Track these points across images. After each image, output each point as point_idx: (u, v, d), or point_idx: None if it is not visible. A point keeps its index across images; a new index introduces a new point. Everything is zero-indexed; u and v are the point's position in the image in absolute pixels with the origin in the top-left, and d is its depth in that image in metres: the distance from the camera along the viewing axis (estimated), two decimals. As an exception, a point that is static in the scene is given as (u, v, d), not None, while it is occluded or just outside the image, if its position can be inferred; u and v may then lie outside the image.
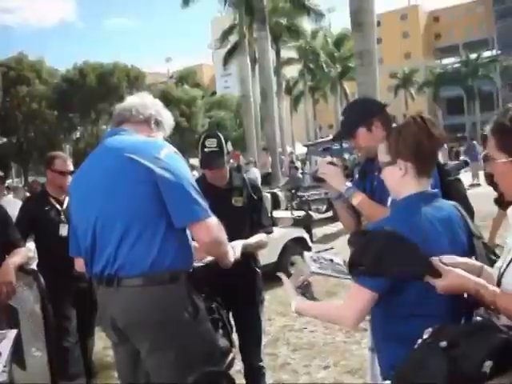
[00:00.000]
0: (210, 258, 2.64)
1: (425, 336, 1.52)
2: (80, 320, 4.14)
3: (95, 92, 41.33)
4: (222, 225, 3.06)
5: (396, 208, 2.01)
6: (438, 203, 1.98)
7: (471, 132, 59.12)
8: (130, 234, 2.17)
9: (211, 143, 3.13)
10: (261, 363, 3.40)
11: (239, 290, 3.16)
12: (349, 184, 2.64)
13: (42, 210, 4.14)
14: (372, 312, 2.09)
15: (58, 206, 4.19)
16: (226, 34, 32.67)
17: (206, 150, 3.13)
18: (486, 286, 1.63)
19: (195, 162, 29.72)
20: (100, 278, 2.28)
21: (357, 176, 2.96)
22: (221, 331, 2.65)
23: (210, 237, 2.21)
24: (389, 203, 2.52)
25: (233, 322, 3.32)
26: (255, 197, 3.35)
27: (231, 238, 3.03)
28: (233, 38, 32.52)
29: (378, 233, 1.80)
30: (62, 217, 4.14)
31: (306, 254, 2.47)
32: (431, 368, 1.43)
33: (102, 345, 5.18)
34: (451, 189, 2.51)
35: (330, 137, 27.58)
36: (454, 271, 1.68)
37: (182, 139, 43.54)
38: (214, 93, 74.93)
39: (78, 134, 47.39)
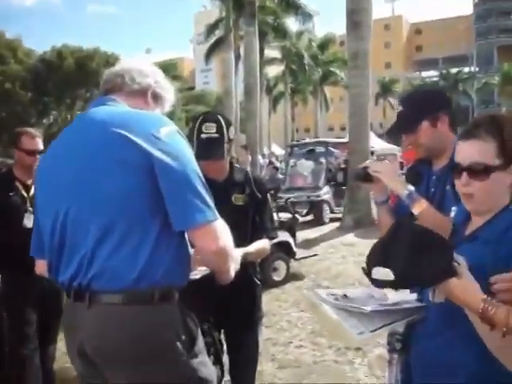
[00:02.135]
0: (204, 270, 2.11)
1: None
2: (41, 323, 3.58)
3: (72, 76, 40.16)
4: None
5: None
6: None
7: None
8: (111, 235, 1.64)
9: (209, 128, 2.57)
10: (253, 390, 2.91)
11: (236, 305, 2.65)
12: (411, 187, 2.15)
13: (5, 195, 3.57)
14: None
15: (23, 192, 3.63)
16: (212, 28, 32.09)
17: (202, 136, 2.56)
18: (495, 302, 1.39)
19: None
20: (68, 288, 1.73)
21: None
22: (212, 358, 2.14)
23: (217, 245, 1.70)
24: (452, 214, 2.08)
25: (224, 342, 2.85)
26: (259, 195, 2.83)
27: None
28: (217, 33, 31.98)
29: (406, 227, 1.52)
30: (28, 205, 3.58)
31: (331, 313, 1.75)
32: None
33: (63, 349, 4.62)
34: None
35: (307, 140, 27.40)
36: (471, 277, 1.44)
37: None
38: (192, 87, 74.23)
39: (51, 119, 46.05)
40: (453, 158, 2.05)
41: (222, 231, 1.72)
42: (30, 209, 3.56)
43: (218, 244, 1.70)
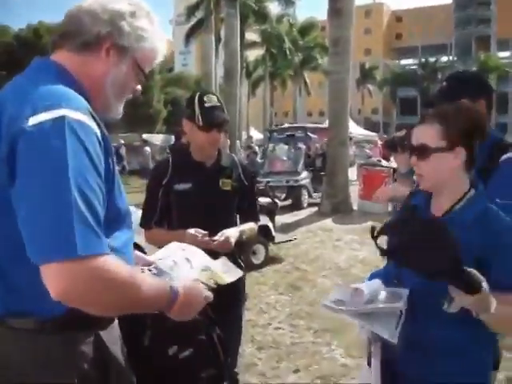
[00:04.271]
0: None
1: None
2: None
3: (49, 55, 39.51)
4: (208, 211, 2.64)
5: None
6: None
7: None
8: None
9: (211, 99, 2.66)
10: (236, 369, 2.98)
11: (222, 288, 2.71)
12: None
13: None
14: None
15: None
16: (193, 9, 31.76)
17: (206, 105, 2.63)
18: None
19: (149, 137, 28.57)
20: None
21: None
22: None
23: (56, 291, 1.19)
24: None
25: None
26: (245, 181, 2.90)
27: (217, 226, 2.62)
28: (197, 15, 31.69)
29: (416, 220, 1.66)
30: None
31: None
32: None
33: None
34: None
35: (286, 125, 27.44)
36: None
37: (136, 113, 42.28)
38: (171, 69, 73.52)
39: (26, 97, 45.25)
40: (480, 145, 2.09)
41: (79, 274, 1.18)
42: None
43: (59, 289, 1.18)
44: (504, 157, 2.12)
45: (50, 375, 1.32)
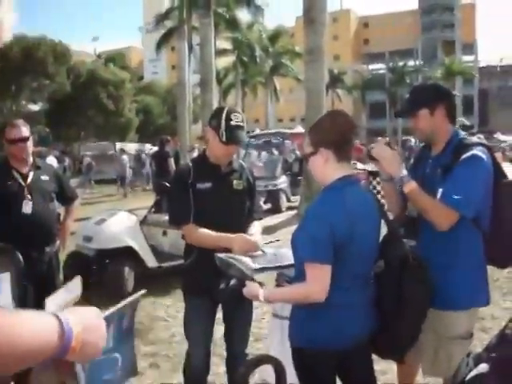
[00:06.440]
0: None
1: None
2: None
3: (18, 66, 39.13)
4: (225, 207, 2.99)
5: (325, 194, 2.28)
6: (358, 187, 2.34)
7: (391, 136, 61.29)
8: None
9: (238, 118, 2.97)
10: (246, 350, 3.32)
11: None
12: (405, 172, 2.61)
13: (3, 183, 3.81)
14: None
15: (21, 181, 3.87)
16: (162, 17, 31.91)
17: (232, 123, 2.93)
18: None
19: (123, 145, 28.45)
20: None
21: (412, 161, 3.07)
22: None
23: None
24: (439, 195, 2.56)
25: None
26: (252, 183, 3.27)
27: (232, 222, 2.98)
28: (166, 23, 31.86)
29: None
30: (26, 193, 3.83)
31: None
32: None
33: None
34: (505, 191, 2.63)
35: (258, 131, 27.86)
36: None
37: (108, 122, 42.29)
38: (141, 77, 73.40)
39: (-4, 109, 44.69)
40: (446, 147, 2.60)
41: None
42: (29, 196, 3.82)
43: None
44: (466, 155, 2.52)
45: None
